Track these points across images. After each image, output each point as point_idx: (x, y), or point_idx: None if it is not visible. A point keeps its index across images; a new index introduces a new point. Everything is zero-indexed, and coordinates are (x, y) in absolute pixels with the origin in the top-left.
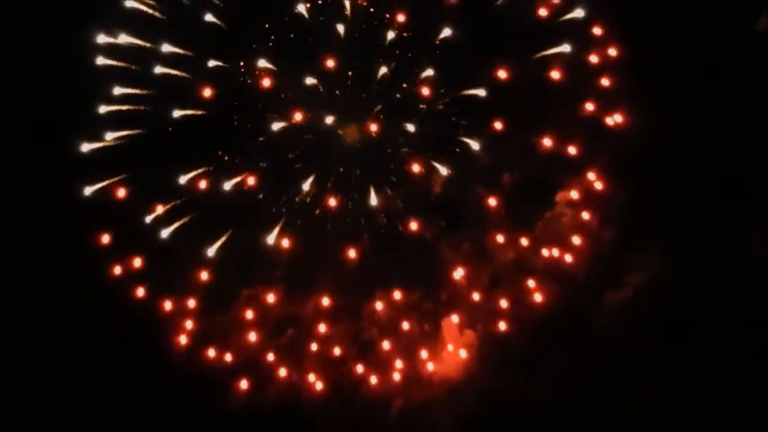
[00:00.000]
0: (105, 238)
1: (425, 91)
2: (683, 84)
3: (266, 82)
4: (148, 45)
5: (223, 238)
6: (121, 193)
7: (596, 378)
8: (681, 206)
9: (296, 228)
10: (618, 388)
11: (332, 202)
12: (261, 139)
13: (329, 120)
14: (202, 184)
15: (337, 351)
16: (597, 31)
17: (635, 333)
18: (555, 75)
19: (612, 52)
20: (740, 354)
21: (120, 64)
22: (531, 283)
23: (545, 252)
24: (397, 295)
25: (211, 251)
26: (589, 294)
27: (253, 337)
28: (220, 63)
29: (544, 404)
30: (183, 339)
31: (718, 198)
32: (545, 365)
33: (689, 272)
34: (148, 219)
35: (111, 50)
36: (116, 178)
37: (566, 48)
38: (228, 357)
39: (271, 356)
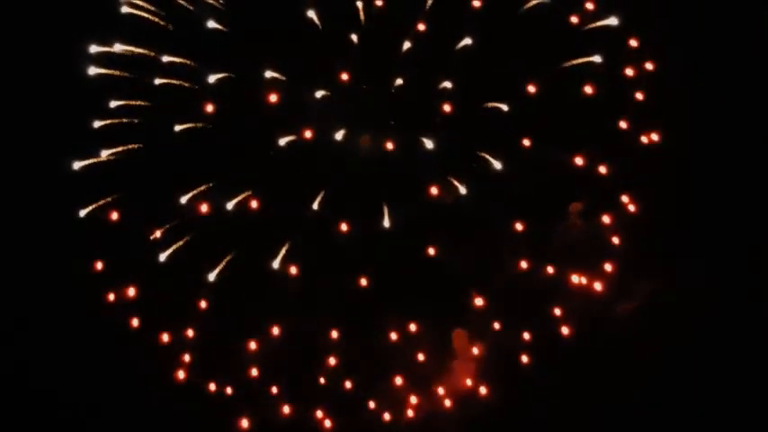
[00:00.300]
0: (99, 265)
1: (444, 105)
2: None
3: (273, 94)
4: (147, 54)
5: (224, 263)
6: (117, 213)
7: (604, 387)
8: (692, 220)
9: (303, 251)
10: (624, 398)
11: (343, 226)
12: (270, 153)
13: (340, 134)
14: (203, 204)
15: (348, 385)
16: (633, 42)
17: (643, 342)
18: (587, 89)
19: (649, 66)
20: (742, 362)
21: (116, 73)
22: (557, 311)
23: (575, 279)
24: (413, 327)
25: (212, 276)
26: (601, 306)
27: (255, 372)
28: (225, 74)
29: (552, 414)
30: (180, 374)
31: (729, 214)
32: (554, 375)
33: (695, 285)
34: (145, 241)
35: (106, 61)
36: (112, 197)
37: (596, 58)
38: (229, 391)
39: (274, 390)
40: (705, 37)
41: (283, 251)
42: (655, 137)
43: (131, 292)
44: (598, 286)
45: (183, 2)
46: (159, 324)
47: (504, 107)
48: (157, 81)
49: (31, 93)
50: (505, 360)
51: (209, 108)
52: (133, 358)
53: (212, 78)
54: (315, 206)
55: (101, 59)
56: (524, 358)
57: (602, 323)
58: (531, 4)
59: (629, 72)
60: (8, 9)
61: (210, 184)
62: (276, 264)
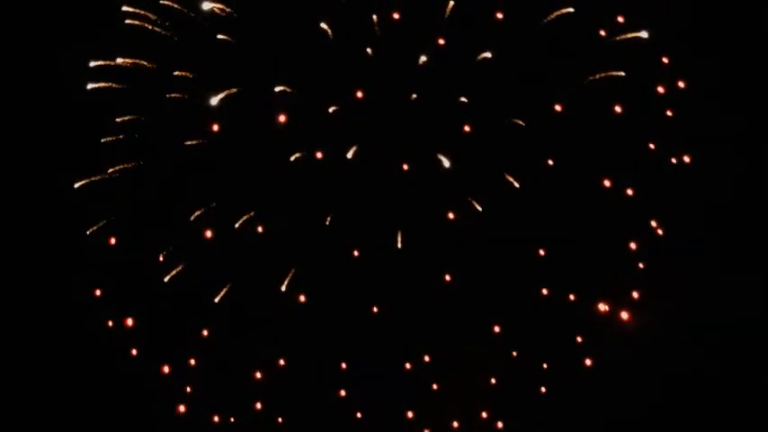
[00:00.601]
0: (97, 291)
1: (462, 121)
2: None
3: (283, 109)
4: (152, 67)
5: (227, 286)
6: (117, 235)
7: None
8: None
9: (311, 275)
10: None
11: (354, 250)
12: (276, 171)
13: (352, 152)
14: (207, 225)
15: (358, 415)
16: (664, 59)
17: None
18: (614, 107)
19: (681, 84)
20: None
21: (119, 87)
22: (579, 339)
23: (602, 307)
24: (426, 358)
25: (215, 301)
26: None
27: (259, 405)
28: (233, 88)
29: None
30: (181, 408)
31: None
32: (573, 408)
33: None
34: (145, 264)
35: (109, 74)
36: (110, 218)
37: (625, 74)
38: (232, 421)
39: (280, 420)
40: (740, 55)
41: (290, 275)
42: (686, 159)
43: (129, 321)
44: (624, 315)
45: (189, 12)
46: (160, 353)
47: (527, 124)
48: (161, 95)
49: (31, 107)
50: (523, 391)
51: (215, 123)
52: (132, 390)
53: (219, 92)
54: (324, 226)
55: (103, 73)
56: (542, 389)
57: (624, 353)
58: (554, 15)
59: (660, 89)
60: (11, 24)
61: (215, 204)
62: (283, 289)
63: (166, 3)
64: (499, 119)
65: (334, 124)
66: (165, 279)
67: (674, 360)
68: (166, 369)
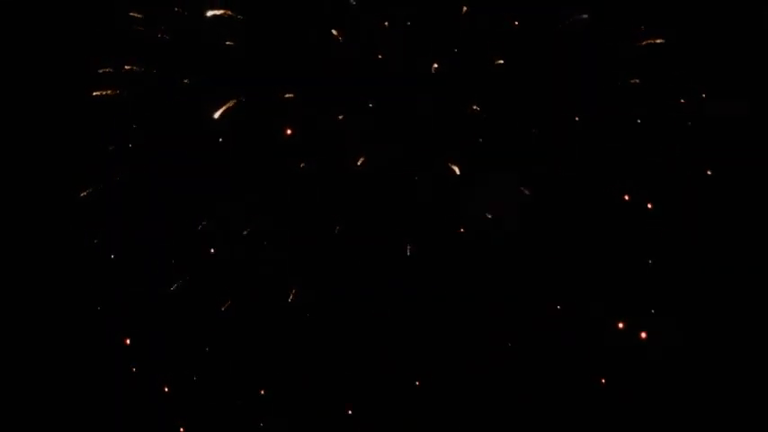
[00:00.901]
0: (99, 306)
1: (474, 128)
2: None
3: (289, 116)
4: (158, 74)
5: (228, 303)
6: (121, 244)
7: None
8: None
9: (318, 287)
10: None
11: (362, 255)
12: (280, 181)
13: (360, 161)
14: (212, 235)
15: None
16: (686, 68)
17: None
18: (632, 116)
19: (703, 95)
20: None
21: (122, 94)
22: (592, 357)
23: (619, 325)
24: (436, 375)
25: (217, 314)
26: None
27: (263, 423)
28: (237, 94)
29: None
30: (181, 430)
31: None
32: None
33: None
34: (150, 277)
35: (112, 80)
36: (108, 229)
37: (644, 83)
38: None
39: None
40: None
41: (297, 288)
42: (708, 172)
43: (128, 340)
44: (643, 334)
45: (197, 18)
46: (160, 371)
47: (542, 134)
48: (168, 103)
49: (32, 112)
50: (535, 410)
51: (221, 131)
52: (131, 409)
53: (227, 101)
54: (330, 238)
55: (108, 80)
56: (555, 407)
57: (642, 372)
58: (569, 21)
59: (681, 100)
60: (14, 29)
61: (219, 215)
62: (287, 303)
63: (176, 9)
64: (514, 128)
65: (342, 132)
66: (167, 293)
67: (693, 379)
68: (166, 388)
